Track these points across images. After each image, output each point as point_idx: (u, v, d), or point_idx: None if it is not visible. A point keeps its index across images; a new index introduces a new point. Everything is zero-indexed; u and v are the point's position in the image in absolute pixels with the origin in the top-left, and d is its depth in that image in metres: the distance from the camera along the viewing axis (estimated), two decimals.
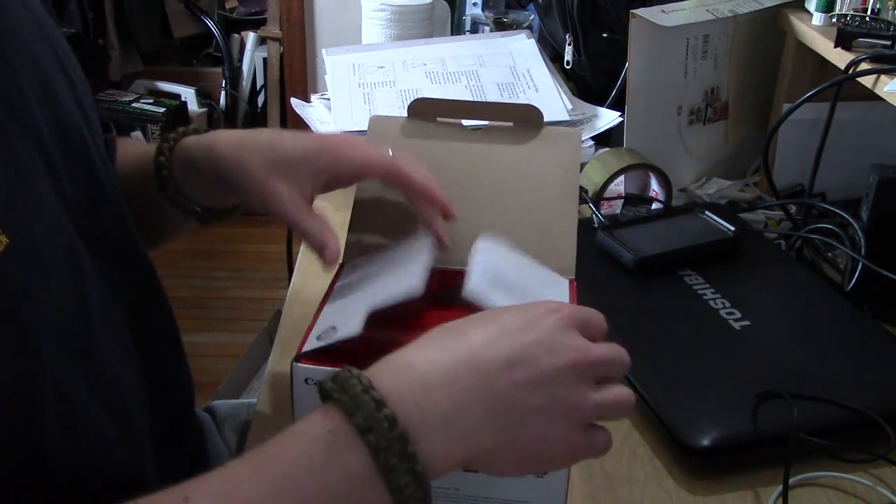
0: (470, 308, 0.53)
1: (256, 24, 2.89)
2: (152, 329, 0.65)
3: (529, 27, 1.39)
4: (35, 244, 0.49)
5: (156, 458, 0.61)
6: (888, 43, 0.93)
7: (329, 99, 1.17)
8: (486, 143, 0.70)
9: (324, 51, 1.26)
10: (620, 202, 1.05)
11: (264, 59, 2.84)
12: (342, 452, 0.42)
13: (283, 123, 2.82)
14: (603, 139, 1.12)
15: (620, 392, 0.48)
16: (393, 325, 0.55)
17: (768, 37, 1.12)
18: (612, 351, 0.49)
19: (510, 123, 0.70)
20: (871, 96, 0.92)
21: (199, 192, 0.70)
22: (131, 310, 0.61)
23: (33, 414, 0.48)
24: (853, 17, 0.98)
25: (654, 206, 1.03)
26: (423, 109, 0.71)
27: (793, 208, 1.04)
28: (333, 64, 1.22)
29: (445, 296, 0.60)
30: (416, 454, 0.42)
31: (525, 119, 0.70)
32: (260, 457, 0.44)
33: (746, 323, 0.79)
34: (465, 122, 0.72)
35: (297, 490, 0.42)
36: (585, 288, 0.64)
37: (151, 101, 2.71)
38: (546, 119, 1.12)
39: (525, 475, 0.51)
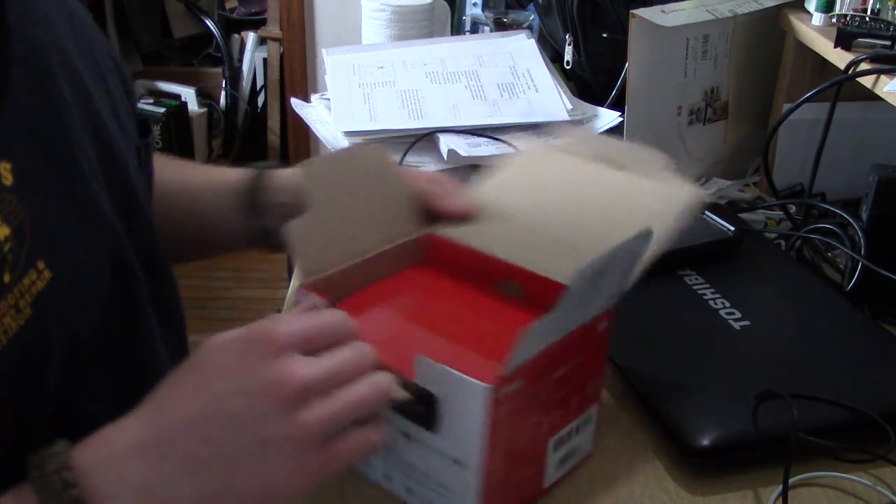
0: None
1: (256, 24, 2.89)
2: (176, 340, 0.67)
3: (529, 27, 1.39)
4: (79, 272, 0.50)
5: None
6: (888, 43, 0.93)
7: (329, 99, 1.17)
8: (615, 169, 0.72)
9: (324, 51, 1.26)
10: None
11: (264, 59, 2.84)
12: None
13: (283, 123, 2.82)
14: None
15: (352, 393, 0.47)
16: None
17: (768, 37, 1.12)
18: (329, 361, 0.47)
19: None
20: (871, 96, 0.92)
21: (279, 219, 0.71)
22: (160, 319, 0.62)
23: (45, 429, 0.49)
24: (853, 17, 0.98)
25: None
26: None
27: (793, 208, 1.04)
28: (333, 64, 1.22)
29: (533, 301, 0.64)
30: None
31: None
32: None
33: (746, 323, 0.79)
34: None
35: None
36: None
37: (151, 101, 2.71)
38: (546, 119, 1.13)
39: None
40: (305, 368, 0.46)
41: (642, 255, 0.59)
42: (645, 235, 0.57)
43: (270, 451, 0.45)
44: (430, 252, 0.71)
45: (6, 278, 0.45)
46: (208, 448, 0.44)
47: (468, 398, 0.54)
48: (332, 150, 0.70)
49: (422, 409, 0.56)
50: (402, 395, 0.54)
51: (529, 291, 0.66)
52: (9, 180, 0.46)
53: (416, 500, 0.61)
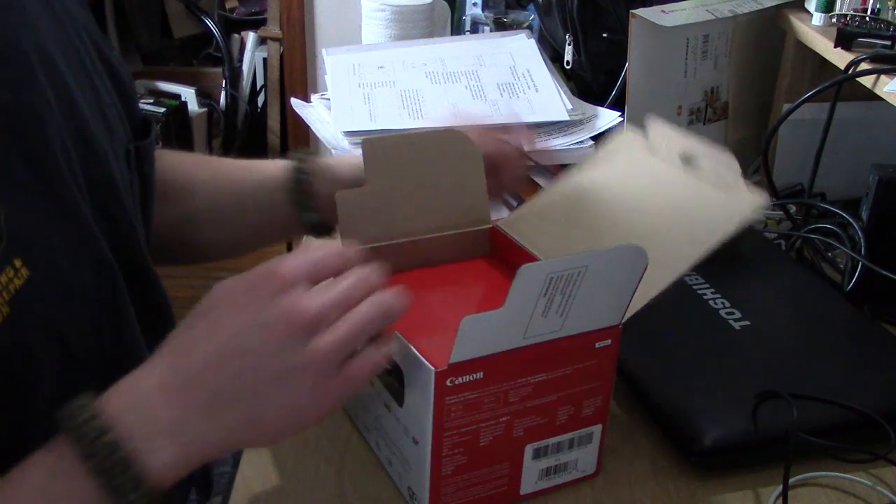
0: None
1: (256, 24, 2.89)
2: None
3: (529, 27, 1.39)
4: (56, 272, 0.50)
5: None
6: (888, 43, 0.93)
7: (329, 99, 1.17)
8: (686, 176, 0.71)
9: (324, 51, 1.26)
10: None
11: (264, 59, 2.84)
12: (73, 481, 0.45)
13: (284, 123, 2.81)
14: (603, 139, 1.12)
15: (358, 313, 0.49)
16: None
17: (768, 37, 1.12)
18: (335, 290, 0.49)
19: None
20: (871, 96, 0.92)
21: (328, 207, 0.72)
22: (144, 324, 0.62)
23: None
24: (853, 17, 0.98)
25: None
26: None
27: (793, 208, 1.04)
28: (333, 64, 1.22)
29: None
30: (142, 473, 0.44)
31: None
32: (8, 482, 0.46)
33: (746, 323, 0.79)
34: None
35: None
36: None
37: (151, 101, 2.71)
38: (546, 119, 1.13)
39: (294, 434, 0.52)
40: (312, 298, 0.48)
41: (639, 272, 0.58)
42: (636, 251, 0.57)
43: (288, 380, 0.47)
44: (495, 246, 0.72)
45: None
46: (229, 384, 0.46)
47: (420, 378, 0.56)
48: (405, 133, 0.70)
49: (395, 382, 0.59)
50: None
51: None
52: None
53: (393, 472, 0.64)
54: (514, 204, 0.87)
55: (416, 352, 0.56)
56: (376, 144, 0.67)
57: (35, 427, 0.50)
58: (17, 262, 0.47)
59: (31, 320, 0.49)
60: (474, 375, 0.56)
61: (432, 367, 0.55)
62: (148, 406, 0.46)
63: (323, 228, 0.77)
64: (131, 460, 0.45)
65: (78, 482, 0.45)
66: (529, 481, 0.64)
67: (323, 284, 0.50)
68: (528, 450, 0.62)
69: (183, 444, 0.46)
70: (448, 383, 0.55)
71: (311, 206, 0.75)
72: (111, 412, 0.46)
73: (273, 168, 0.77)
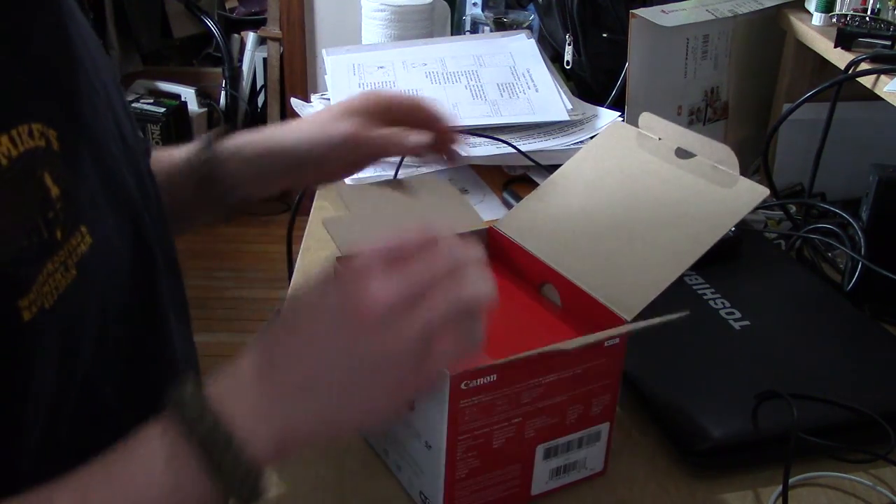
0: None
1: (256, 24, 2.89)
2: (186, 332, 0.69)
3: (529, 27, 1.39)
4: (110, 244, 0.53)
5: None
6: (888, 43, 0.93)
7: (329, 99, 1.17)
8: (683, 171, 0.70)
9: (324, 51, 1.26)
10: None
11: (264, 59, 2.84)
12: (181, 469, 0.46)
13: None
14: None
15: (435, 301, 0.48)
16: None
17: (768, 37, 1.12)
18: (411, 277, 0.48)
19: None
20: (871, 96, 0.92)
21: (247, 182, 0.74)
22: (174, 315, 0.65)
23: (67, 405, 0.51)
24: (853, 17, 0.98)
25: None
26: None
27: (793, 208, 1.04)
28: (333, 64, 1.22)
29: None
30: (251, 459, 0.46)
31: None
32: (113, 462, 0.47)
33: (746, 323, 0.79)
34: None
35: (139, 494, 0.46)
36: None
37: (151, 101, 2.71)
38: (546, 119, 1.13)
39: (378, 420, 0.52)
40: (389, 288, 0.48)
41: None
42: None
43: (370, 371, 0.48)
44: (492, 246, 0.72)
45: (58, 234, 0.48)
46: (315, 374, 0.48)
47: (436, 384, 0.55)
48: (377, 179, 0.71)
49: None
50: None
51: (565, 298, 0.67)
52: (56, 146, 0.49)
53: (402, 477, 0.64)
54: (513, 203, 0.87)
55: None
56: (350, 190, 0.68)
57: (65, 413, 0.51)
58: (84, 229, 0.50)
59: (90, 287, 0.51)
60: (488, 378, 0.56)
61: (447, 372, 0.54)
62: (242, 392, 0.48)
63: (240, 208, 0.77)
64: (241, 448, 0.46)
65: (192, 470, 0.46)
66: (540, 481, 0.64)
67: (409, 271, 0.49)
68: (540, 450, 0.62)
69: (276, 429, 0.48)
70: (463, 387, 0.55)
71: (220, 186, 0.74)
72: (212, 394, 0.48)
73: (182, 152, 0.77)
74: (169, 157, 0.77)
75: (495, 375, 0.56)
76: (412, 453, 0.61)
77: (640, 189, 0.70)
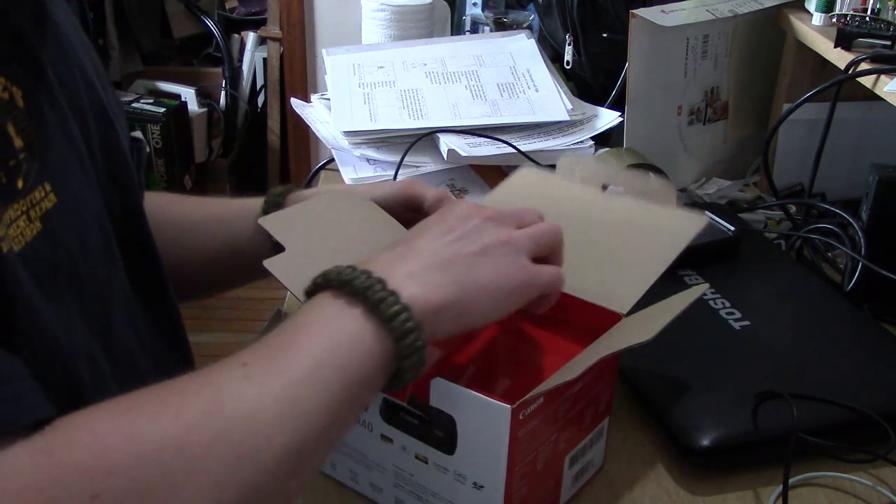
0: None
1: (256, 24, 2.89)
2: (164, 327, 0.68)
3: (529, 27, 1.39)
4: (78, 210, 0.54)
5: None
6: (888, 43, 0.93)
7: (329, 99, 1.17)
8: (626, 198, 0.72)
9: (324, 51, 1.26)
10: None
11: (264, 59, 2.84)
12: (360, 332, 0.50)
13: (283, 123, 2.82)
14: (603, 139, 1.12)
15: (543, 226, 0.60)
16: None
17: (768, 37, 1.12)
18: (533, 229, 0.60)
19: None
20: (871, 96, 0.92)
21: None
22: (145, 305, 0.64)
23: (74, 368, 0.52)
24: (853, 17, 0.98)
25: None
26: None
27: (793, 208, 1.04)
28: (333, 64, 1.22)
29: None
30: (410, 309, 0.51)
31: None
32: (297, 333, 0.51)
33: (746, 323, 0.79)
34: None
35: (330, 362, 0.49)
36: None
37: (151, 101, 2.71)
38: (546, 119, 1.13)
39: (507, 311, 0.57)
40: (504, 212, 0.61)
41: None
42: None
43: (492, 253, 0.57)
44: None
45: (19, 183, 0.48)
46: (448, 253, 0.56)
47: (489, 418, 0.53)
48: (295, 205, 0.70)
49: (440, 432, 0.56)
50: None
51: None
52: (21, 104, 0.50)
53: None
54: None
55: (478, 394, 0.54)
56: (277, 219, 0.65)
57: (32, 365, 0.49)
58: (48, 186, 0.51)
59: (57, 243, 0.51)
60: (538, 403, 0.55)
61: (507, 405, 0.53)
62: (389, 264, 0.54)
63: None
64: (408, 305, 0.51)
65: (370, 332, 0.50)
66: (567, 489, 0.63)
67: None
68: (567, 460, 0.62)
69: (423, 285, 0.53)
70: (521, 417, 0.54)
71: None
72: (372, 270, 0.53)
73: (245, 203, 0.77)
74: (213, 209, 0.78)
75: (542, 399, 0.55)
76: (452, 499, 0.59)
77: (584, 216, 0.70)
